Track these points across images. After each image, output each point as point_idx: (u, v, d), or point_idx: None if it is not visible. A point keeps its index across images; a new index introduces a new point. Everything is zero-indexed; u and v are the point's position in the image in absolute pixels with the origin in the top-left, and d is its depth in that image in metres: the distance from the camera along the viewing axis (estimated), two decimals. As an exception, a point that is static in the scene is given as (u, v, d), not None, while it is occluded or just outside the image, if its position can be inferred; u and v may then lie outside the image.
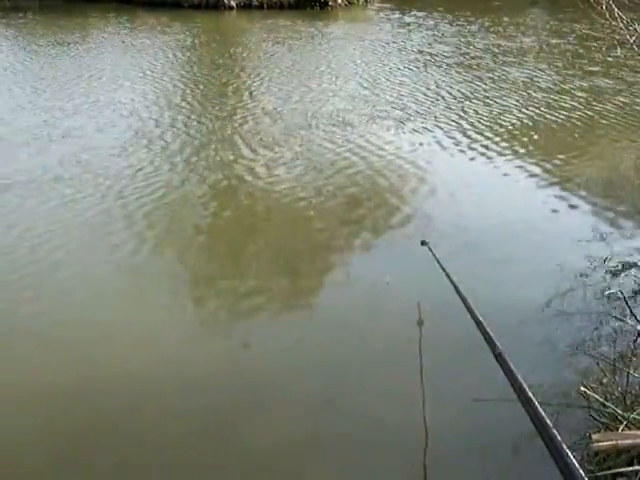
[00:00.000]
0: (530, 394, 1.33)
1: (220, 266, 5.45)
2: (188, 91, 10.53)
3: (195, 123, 8.82)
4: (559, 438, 1.18)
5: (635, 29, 5.15)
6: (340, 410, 3.69)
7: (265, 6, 17.97)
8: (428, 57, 12.99)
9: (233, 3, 17.90)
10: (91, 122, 8.74)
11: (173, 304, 4.84)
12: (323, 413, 3.67)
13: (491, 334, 1.54)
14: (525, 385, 1.36)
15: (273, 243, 5.72)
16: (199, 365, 4.06)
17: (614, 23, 5.17)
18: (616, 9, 5.16)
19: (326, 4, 18.14)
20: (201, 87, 10.83)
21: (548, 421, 1.23)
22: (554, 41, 14.55)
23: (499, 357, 1.47)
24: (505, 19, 17.31)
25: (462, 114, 9.26)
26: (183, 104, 9.74)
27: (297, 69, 12.03)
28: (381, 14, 18.01)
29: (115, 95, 10.07)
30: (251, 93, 10.49)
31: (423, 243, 2.76)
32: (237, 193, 6.65)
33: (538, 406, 1.26)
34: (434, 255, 2.38)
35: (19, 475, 3.30)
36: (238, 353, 4.27)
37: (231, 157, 7.54)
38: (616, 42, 5.68)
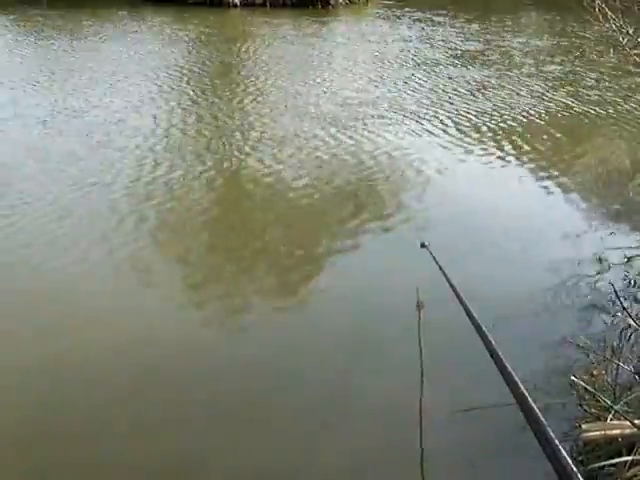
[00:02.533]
0: (524, 391, 1.38)
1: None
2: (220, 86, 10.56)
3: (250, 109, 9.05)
4: (552, 435, 1.24)
5: (627, 32, 5.15)
6: (343, 391, 3.78)
7: (268, 4, 17.98)
8: (460, 54, 13.03)
9: (237, 0, 17.86)
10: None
11: (173, 280, 4.96)
12: (324, 396, 3.76)
13: (487, 333, 1.60)
14: (519, 382, 1.41)
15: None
16: (200, 349, 4.16)
17: (607, 25, 5.17)
18: (608, 12, 5.15)
19: (327, 3, 18.15)
20: (247, 83, 10.95)
21: (542, 418, 1.29)
22: (578, 41, 14.35)
23: (494, 355, 1.53)
24: (521, 20, 17.37)
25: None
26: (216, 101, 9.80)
27: (315, 64, 12.12)
28: (385, 13, 17.92)
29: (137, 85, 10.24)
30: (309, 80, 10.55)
31: (423, 245, 2.78)
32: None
33: (533, 404, 1.32)
34: (434, 257, 2.43)
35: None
36: (236, 339, 4.35)
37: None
38: (609, 44, 5.67)
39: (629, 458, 2.98)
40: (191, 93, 9.99)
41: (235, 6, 17.94)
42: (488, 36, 14.99)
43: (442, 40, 14.33)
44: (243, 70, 11.73)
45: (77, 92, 9.80)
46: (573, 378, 3.41)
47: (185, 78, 10.84)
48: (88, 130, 8.12)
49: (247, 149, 7.61)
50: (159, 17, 16.44)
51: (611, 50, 5.55)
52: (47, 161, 7.15)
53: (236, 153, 7.49)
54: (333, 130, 8.29)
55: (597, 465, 3.04)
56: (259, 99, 9.73)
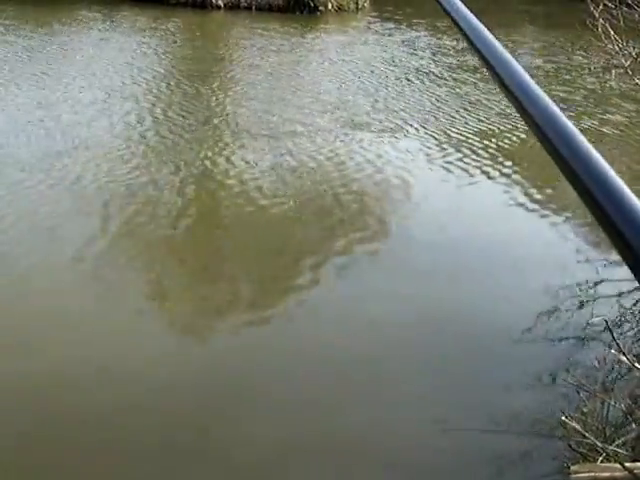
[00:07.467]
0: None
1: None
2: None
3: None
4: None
5: (630, 53, 4.99)
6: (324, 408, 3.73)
7: (254, 8, 17.41)
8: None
9: (221, 2, 17.22)
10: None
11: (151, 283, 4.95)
12: (304, 413, 3.71)
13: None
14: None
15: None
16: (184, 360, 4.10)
17: (609, 46, 5.02)
18: (612, 31, 4.99)
19: (316, 9, 17.53)
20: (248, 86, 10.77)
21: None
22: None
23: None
24: (537, 37, 17.19)
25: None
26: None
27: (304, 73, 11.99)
28: (376, 23, 17.67)
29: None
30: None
31: None
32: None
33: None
34: None
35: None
36: (216, 355, 4.28)
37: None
38: (610, 65, 5.52)
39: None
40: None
41: (219, 8, 17.34)
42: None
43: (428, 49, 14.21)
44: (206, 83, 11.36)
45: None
46: (563, 418, 3.31)
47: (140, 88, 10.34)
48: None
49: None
50: (135, 17, 16.05)
51: (612, 72, 5.37)
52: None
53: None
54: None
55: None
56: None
